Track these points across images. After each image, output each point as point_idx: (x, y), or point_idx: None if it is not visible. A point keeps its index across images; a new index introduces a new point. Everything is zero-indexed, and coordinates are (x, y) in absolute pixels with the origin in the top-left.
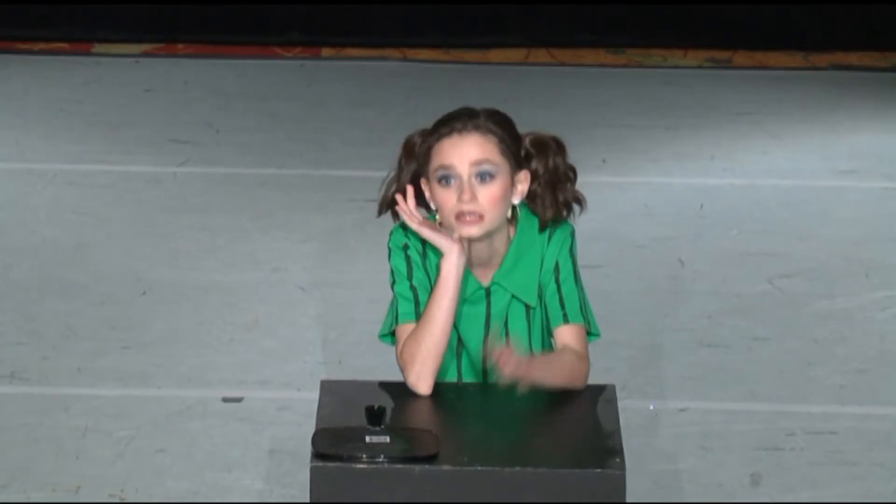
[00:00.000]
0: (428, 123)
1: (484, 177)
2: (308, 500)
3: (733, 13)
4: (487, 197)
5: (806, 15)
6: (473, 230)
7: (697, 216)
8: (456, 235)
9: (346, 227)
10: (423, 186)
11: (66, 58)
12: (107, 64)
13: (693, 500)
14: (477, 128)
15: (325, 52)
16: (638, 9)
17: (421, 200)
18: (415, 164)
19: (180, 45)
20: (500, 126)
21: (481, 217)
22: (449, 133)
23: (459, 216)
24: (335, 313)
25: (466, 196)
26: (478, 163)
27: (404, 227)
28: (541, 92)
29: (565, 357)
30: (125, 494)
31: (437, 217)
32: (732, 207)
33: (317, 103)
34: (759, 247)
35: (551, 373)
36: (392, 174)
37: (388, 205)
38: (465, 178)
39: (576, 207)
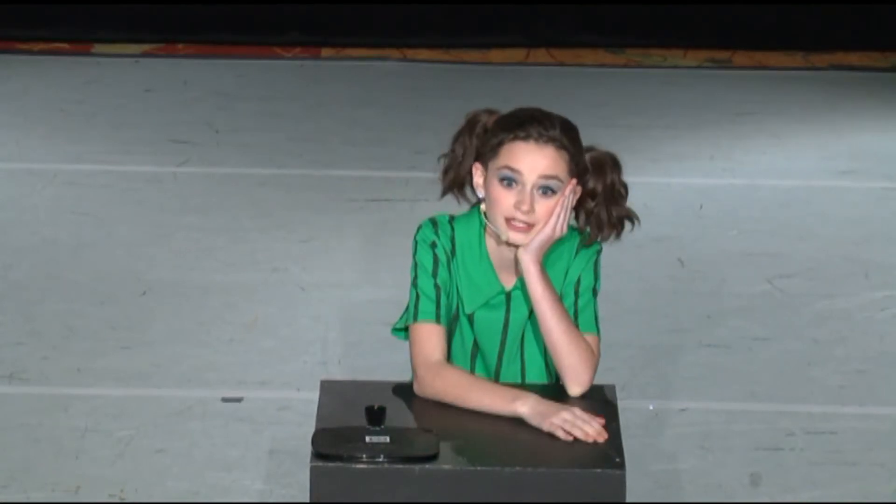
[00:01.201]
0: (428, 123)
1: (546, 191)
2: (308, 501)
3: (733, 13)
4: (544, 210)
5: (805, 15)
6: (521, 237)
7: (697, 216)
8: (506, 237)
9: (346, 227)
10: (475, 171)
11: (66, 58)
12: (107, 64)
13: (693, 501)
14: (553, 140)
15: (325, 52)
16: (637, 9)
17: (451, 182)
18: (476, 143)
19: (180, 46)
20: (573, 143)
21: (531, 226)
22: (525, 138)
23: (511, 221)
24: (335, 313)
25: (526, 207)
26: (546, 177)
27: (434, 222)
28: (541, 92)
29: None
30: (125, 494)
31: (483, 206)
32: (732, 207)
33: (317, 103)
34: (759, 247)
35: (560, 313)
36: (452, 152)
37: (452, 186)
38: (529, 187)
39: (627, 224)
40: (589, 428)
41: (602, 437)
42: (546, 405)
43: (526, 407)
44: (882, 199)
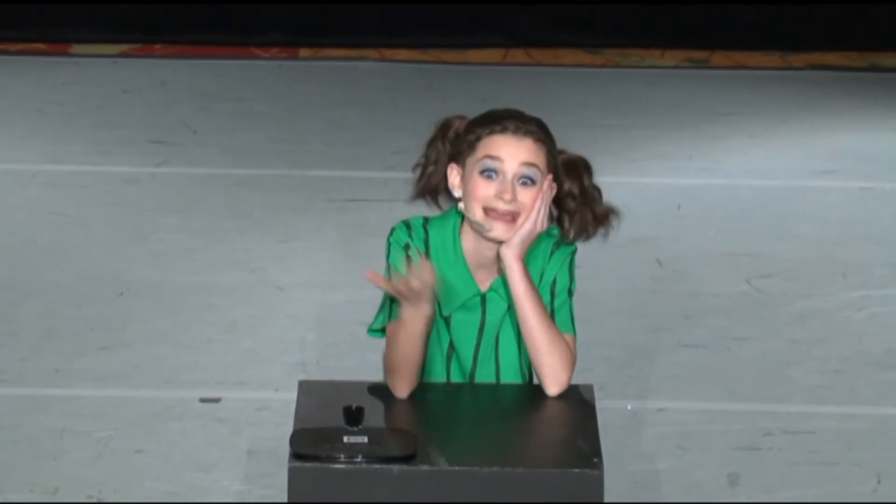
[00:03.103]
0: (406, 123)
1: (526, 181)
2: (286, 501)
3: (711, 13)
4: (527, 199)
5: (783, 15)
6: (504, 229)
7: (675, 216)
8: (489, 227)
9: (326, 228)
10: (451, 172)
11: (44, 58)
12: (85, 64)
13: (671, 500)
14: (531, 133)
15: (304, 52)
16: (615, 9)
17: (427, 188)
18: (449, 148)
19: (158, 46)
20: (549, 138)
21: (515, 218)
22: (503, 130)
23: (492, 211)
24: (313, 314)
25: (508, 196)
26: (527, 164)
27: (407, 225)
28: (519, 92)
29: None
30: (103, 495)
31: (460, 205)
32: (710, 207)
33: (295, 104)
34: (738, 247)
35: (542, 312)
36: (425, 159)
37: (424, 192)
38: (510, 176)
39: (611, 220)
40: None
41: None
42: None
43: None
44: (860, 198)
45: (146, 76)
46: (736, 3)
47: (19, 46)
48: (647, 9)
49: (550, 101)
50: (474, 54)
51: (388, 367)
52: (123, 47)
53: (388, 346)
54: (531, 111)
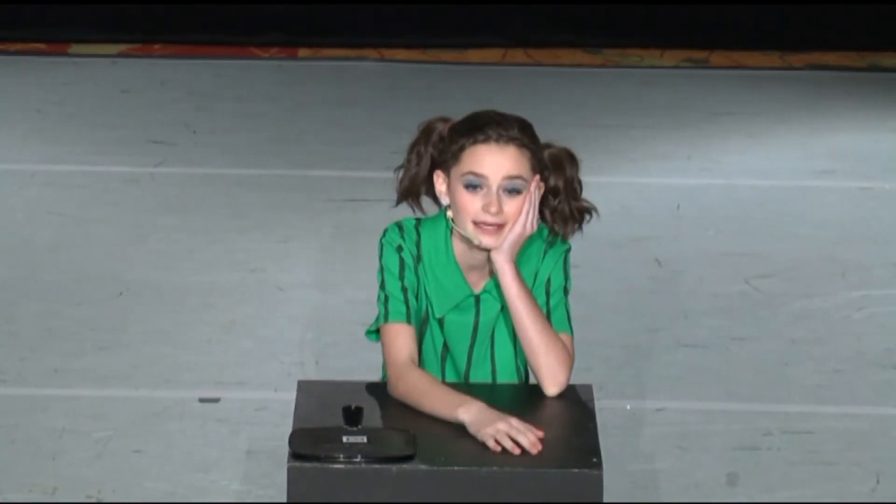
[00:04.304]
0: (406, 123)
1: (512, 191)
2: (285, 501)
3: (710, 13)
4: (513, 209)
5: (783, 15)
6: (492, 239)
7: (675, 216)
8: (477, 241)
9: (325, 228)
10: (437, 179)
11: (43, 58)
12: (84, 64)
13: (670, 500)
14: (513, 140)
15: (303, 52)
16: (615, 9)
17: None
18: (432, 152)
19: (157, 46)
20: (533, 140)
21: (501, 227)
22: (485, 140)
23: (480, 224)
24: (313, 314)
25: (494, 209)
26: (511, 177)
27: (400, 227)
28: (518, 92)
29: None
30: (102, 495)
31: (449, 213)
32: (710, 207)
33: (294, 104)
34: (737, 247)
35: (536, 313)
36: (408, 162)
37: (406, 194)
38: (495, 189)
39: (586, 217)
40: (523, 438)
41: (536, 448)
42: (487, 414)
43: (468, 414)
44: (859, 198)
45: (145, 76)
46: (736, 3)
47: (19, 46)
48: (646, 9)
49: (550, 100)
50: (474, 54)
51: (395, 384)
52: (122, 47)
53: (385, 348)
54: (530, 111)
